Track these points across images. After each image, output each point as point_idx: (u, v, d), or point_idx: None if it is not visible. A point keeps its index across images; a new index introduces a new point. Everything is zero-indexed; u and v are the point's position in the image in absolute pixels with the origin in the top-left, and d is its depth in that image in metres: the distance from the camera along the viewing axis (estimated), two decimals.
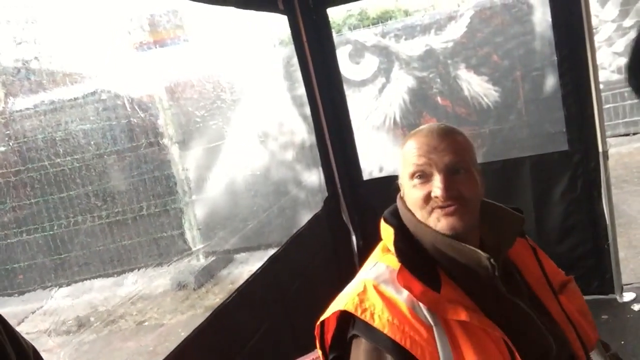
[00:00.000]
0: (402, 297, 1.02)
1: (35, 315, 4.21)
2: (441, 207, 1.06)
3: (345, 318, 1.07)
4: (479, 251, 1.03)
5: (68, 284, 4.70)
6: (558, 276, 1.24)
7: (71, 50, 4.71)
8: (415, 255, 1.07)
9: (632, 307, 2.75)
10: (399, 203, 1.17)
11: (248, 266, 5.19)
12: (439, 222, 1.07)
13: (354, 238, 3.23)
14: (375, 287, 1.05)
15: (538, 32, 4.77)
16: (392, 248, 1.10)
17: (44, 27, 4.71)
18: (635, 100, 6.26)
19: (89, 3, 4.53)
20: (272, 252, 2.53)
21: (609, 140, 2.79)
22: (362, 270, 1.15)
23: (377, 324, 1.00)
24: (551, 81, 4.61)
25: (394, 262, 1.08)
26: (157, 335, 4.14)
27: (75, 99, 4.93)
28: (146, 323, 4.44)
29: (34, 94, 4.73)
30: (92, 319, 4.37)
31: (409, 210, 1.12)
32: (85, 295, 4.69)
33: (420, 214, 1.10)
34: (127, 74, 5.07)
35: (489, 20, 5.03)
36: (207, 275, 5.13)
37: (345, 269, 3.15)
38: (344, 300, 1.06)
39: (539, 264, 1.20)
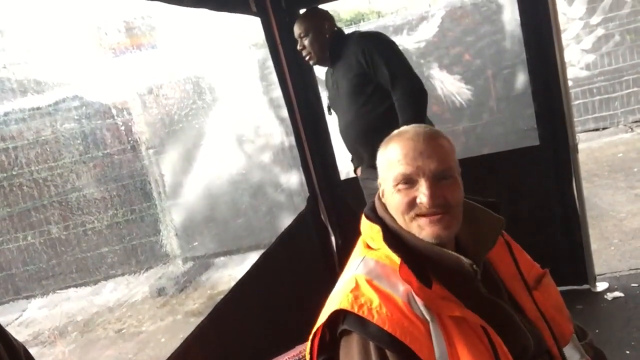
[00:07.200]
0: (397, 292, 1.01)
1: (11, 327, 4.11)
2: (426, 215, 1.05)
3: (334, 318, 1.03)
4: (462, 257, 1.03)
5: (44, 295, 4.61)
6: (533, 270, 1.22)
7: (45, 58, 4.63)
8: (407, 252, 1.05)
9: (605, 296, 2.82)
10: (377, 204, 1.14)
11: (227, 270, 5.15)
12: (422, 230, 1.05)
13: (332, 238, 3.24)
14: (369, 282, 1.03)
15: (508, 30, 4.86)
16: (377, 245, 1.09)
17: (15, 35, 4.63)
18: (604, 96, 6.42)
19: (60, 9, 4.46)
20: (251, 255, 2.53)
21: (580, 136, 2.86)
22: (348, 268, 1.12)
23: (376, 320, 0.97)
24: (522, 79, 4.71)
25: (382, 258, 1.07)
26: (137, 343, 4.09)
27: (48, 105, 4.84)
28: (124, 331, 4.38)
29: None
30: (69, 328, 4.30)
31: (388, 213, 1.11)
32: (62, 305, 4.60)
33: (401, 220, 1.08)
34: (101, 79, 5.00)
35: (460, 19, 5.11)
36: (186, 281, 5.08)
37: (327, 268, 3.16)
38: (337, 300, 1.03)
39: (514, 260, 1.19)
